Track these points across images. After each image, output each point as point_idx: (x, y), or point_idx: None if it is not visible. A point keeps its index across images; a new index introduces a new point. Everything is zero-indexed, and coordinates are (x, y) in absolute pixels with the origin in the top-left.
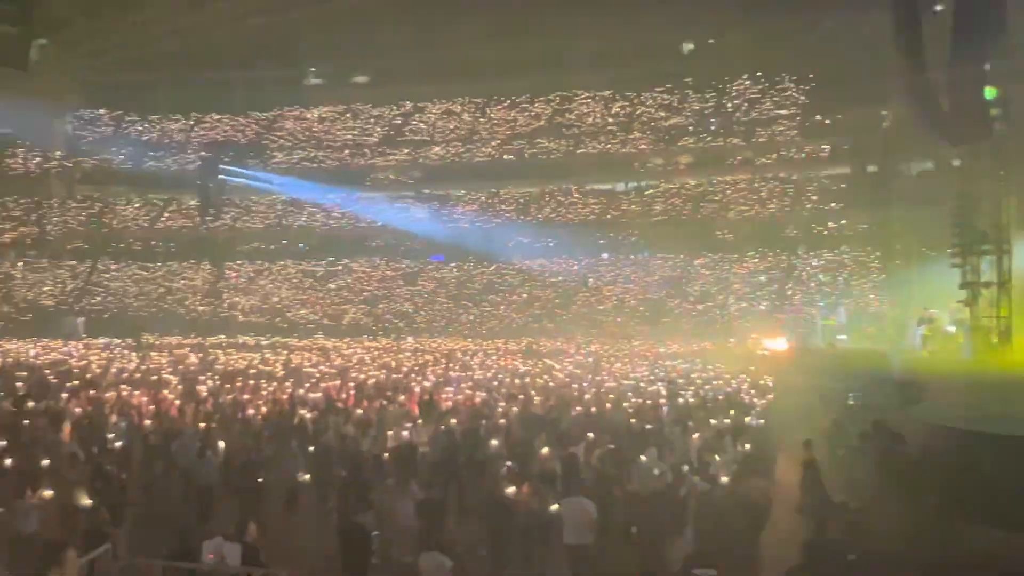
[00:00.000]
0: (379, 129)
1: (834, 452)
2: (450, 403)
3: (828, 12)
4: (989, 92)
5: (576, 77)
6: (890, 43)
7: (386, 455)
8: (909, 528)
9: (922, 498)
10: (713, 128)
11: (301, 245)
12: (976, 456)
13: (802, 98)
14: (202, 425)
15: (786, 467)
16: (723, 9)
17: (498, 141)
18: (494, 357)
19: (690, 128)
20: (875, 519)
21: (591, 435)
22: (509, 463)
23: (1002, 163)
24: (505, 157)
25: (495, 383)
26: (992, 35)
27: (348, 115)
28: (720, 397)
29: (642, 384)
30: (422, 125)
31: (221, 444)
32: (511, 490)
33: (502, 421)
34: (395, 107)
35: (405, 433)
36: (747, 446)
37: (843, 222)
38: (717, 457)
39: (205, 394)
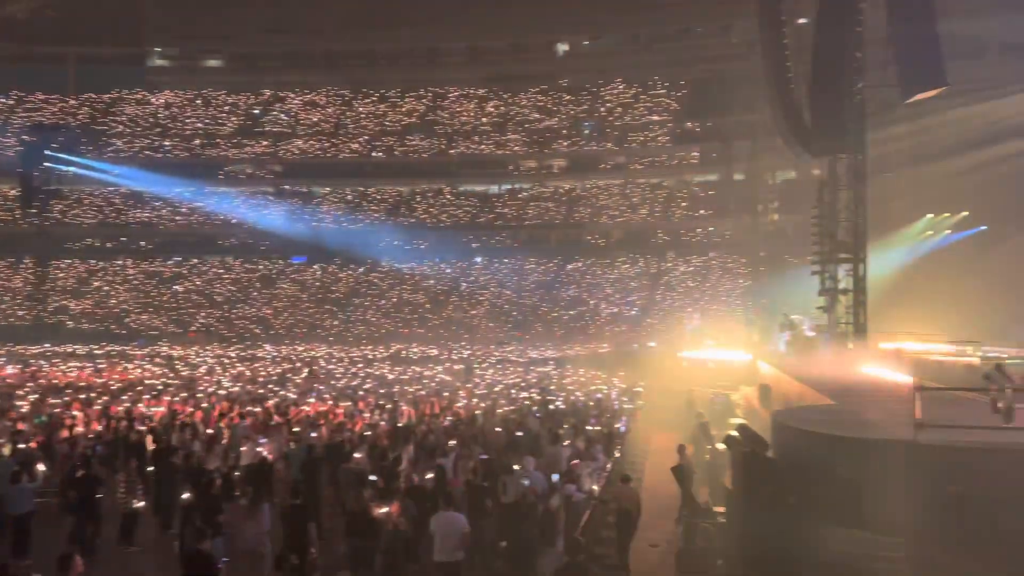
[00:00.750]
0: (234, 119)
1: (701, 456)
2: (311, 415)
3: (700, 20)
4: (848, 105)
5: (449, 73)
6: (757, 54)
7: (237, 473)
8: (771, 531)
9: (783, 501)
10: (587, 132)
11: (143, 243)
12: (832, 459)
13: (674, 104)
14: (20, 446)
15: (656, 472)
16: (598, 11)
17: (366, 137)
18: (360, 364)
19: (564, 131)
20: (739, 523)
21: (462, 446)
22: (374, 478)
23: (860, 176)
24: (374, 154)
25: (361, 392)
26: (852, 51)
27: (199, 101)
28: (591, 403)
29: (514, 391)
30: (283, 116)
31: (40, 467)
32: (377, 507)
33: (367, 433)
34: (253, 95)
35: (260, 449)
36: (617, 453)
37: (711, 228)
38: (588, 465)
39: (26, 410)
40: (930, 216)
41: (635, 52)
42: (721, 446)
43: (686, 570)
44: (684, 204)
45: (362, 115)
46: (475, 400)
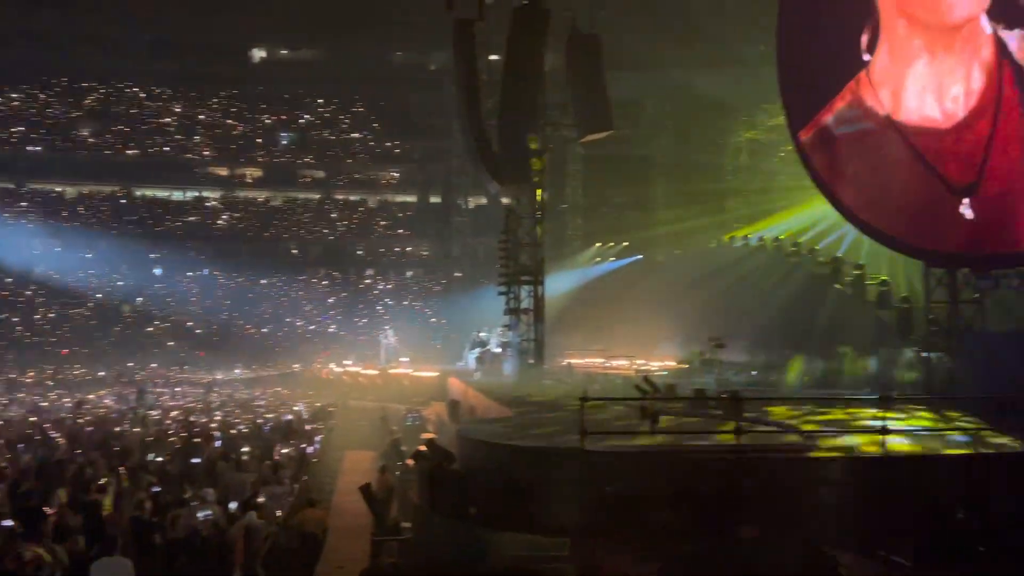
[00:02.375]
0: None
1: (392, 473)
2: None
3: (401, 44)
4: (532, 141)
5: (128, 64)
6: (452, 83)
7: None
8: (452, 541)
9: (465, 511)
10: (284, 143)
11: None
12: (510, 468)
13: (375, 123)
14: None
15: (347, 492)
16: (298, 21)
17: (20, 127)
18: (1, 390)
19: (259, 140)
20: (424, 536)
21: (129, 479)
22: (9, 523)
23: (540, 205)
24: (28, 148)
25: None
26: (535, 91)
27: None
28: (280, 425)
29: (194, 416)
30: None
31: None
32: (17, 555)
33: (6, 469)
34: None
35: None
36: (305, 477)
37: (409, 248)
38: (273, 490)
39: None
40: (599, 244)
41: (336, 67)
42: (410, 461)
43: None
44: (384, 223)
45: (14, 101)
46: (147, 427)
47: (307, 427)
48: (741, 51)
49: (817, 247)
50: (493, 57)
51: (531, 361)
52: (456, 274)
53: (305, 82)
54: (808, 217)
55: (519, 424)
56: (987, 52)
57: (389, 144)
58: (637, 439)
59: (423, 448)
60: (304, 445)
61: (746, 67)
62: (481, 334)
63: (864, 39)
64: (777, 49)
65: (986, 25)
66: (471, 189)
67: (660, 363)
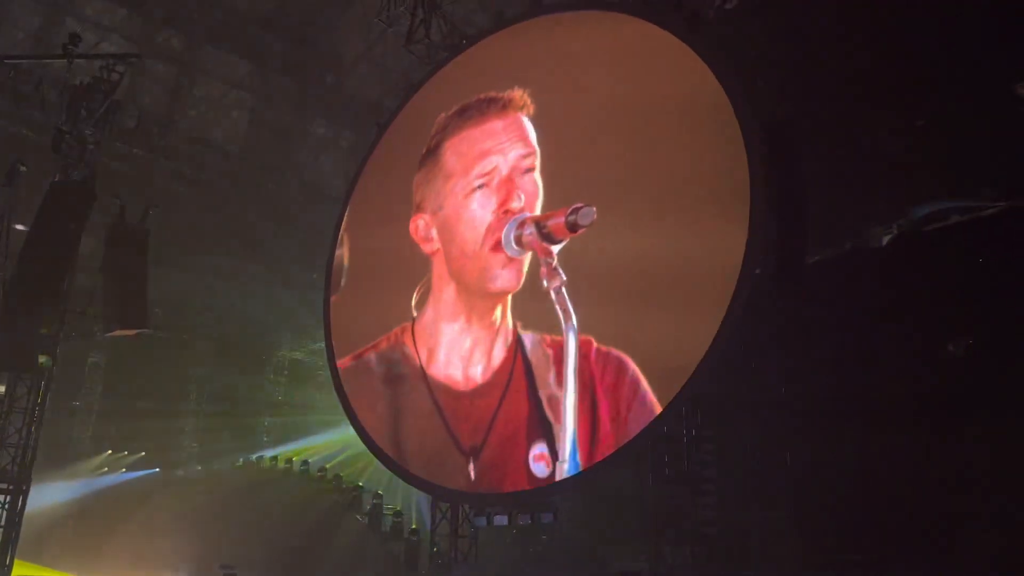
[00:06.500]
0: None
1: None
2: None
3: None
4: (45, 325)
5: None
6: None
7: None
8: None
9: None
10: None
11: None
12: None
13: None
14: None
15: None
16: None
17: None
18: None
19: None
20: None
21: None
22: None
23: (41, 399)
24: None
25: None
26: (62, 272)
27: None
28: None
29: None
30: None
31: None
32: None
33: None
34: None
35: None
36: None
37: None
38: None
39: None
40: (110, 452)
41: None
42: None
43: None
44: None
45: None
46: None
47: None
48: (294, 274)
49: (342, 474)
50: (19, 227)
51: None
52: None
53: None
54: (339, 443)
55: None
56: (511, 336)
57: None
58: None
59: None
60: None
61: (295, 289)
62: None
63: (415, 296)
64: (325, 287)
65: (510, 315)
66: None
67: None
